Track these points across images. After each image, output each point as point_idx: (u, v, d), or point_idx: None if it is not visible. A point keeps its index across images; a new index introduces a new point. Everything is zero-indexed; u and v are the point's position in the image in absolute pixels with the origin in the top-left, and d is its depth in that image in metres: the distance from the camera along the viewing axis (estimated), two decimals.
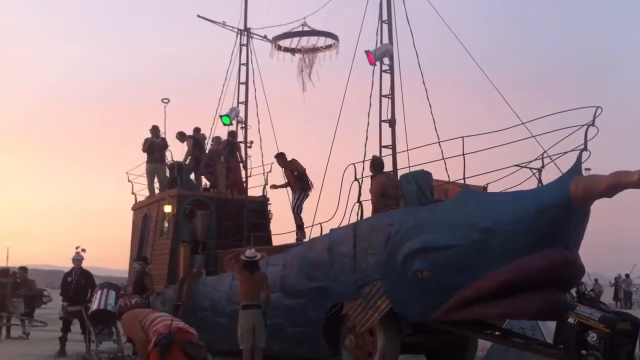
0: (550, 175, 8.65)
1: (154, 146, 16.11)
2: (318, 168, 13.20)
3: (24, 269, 19.14)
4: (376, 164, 10.85)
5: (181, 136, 16.08)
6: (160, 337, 6.11)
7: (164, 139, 16.32)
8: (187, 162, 15.90)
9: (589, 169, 8.66)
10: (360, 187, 10.45)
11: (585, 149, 8.09)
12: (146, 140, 16.16)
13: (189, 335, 6.35)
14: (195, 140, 16.06)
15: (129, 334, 6.83)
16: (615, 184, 7.62)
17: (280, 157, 13.98)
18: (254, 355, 10.36)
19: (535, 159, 8.81)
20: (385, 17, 11.82)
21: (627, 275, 34.87)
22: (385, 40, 11.75)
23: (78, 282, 13.45)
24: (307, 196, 13.59)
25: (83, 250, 13.89)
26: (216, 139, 16.39)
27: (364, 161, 10.74)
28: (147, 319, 6.52)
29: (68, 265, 14.16)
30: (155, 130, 16.28)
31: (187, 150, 15.86)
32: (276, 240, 14.79)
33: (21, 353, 13.73)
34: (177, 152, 16.44)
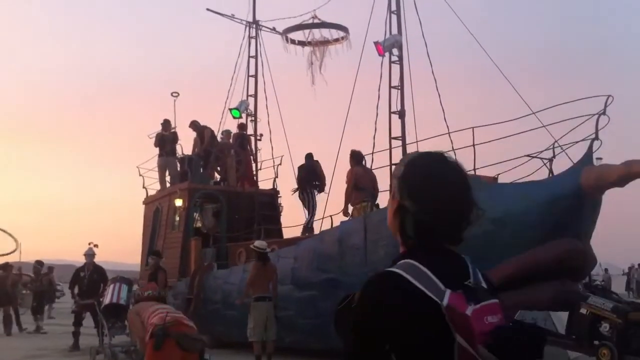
0: (561, 165, 8.62)
1: (165, 140, 16.13)
2: (328, 160, 13.21)
3: (39, 263, 19.25)
4: (355, 155, 11.07)
5: (196, 127, 16.04)
6: (155, 329, 6.02)
7: (174, 133, 16.33)
8: (200, 153, 15.84)
9: (600, 159, 8.62)
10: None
11: (596, 138, 8.04)
12: (157, 134, 16.18)
13: (184, 328, 6.18)
14: (212, 132, 16.06)
15: (132, 330, 6.80)
16: (626, 174, 7.58)
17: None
18: (264, 348, 10.37)
19: (546, 149, 8.77)
20: (394, 8, 11.78)
21: (639, 265, 34.68)
22: (395, 31, 11.71)
23: (90, 277, 13.53)
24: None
25: (96, 245, 13.96)
26: (227, 132, 16.40)
27: (373, 153, 10.74)
28: (147, 313, 6.42)
29: (81, 259, 14.25)
30: (166, 124, 16.30)
31: (206, 140, 15.80)
32: (287, 233, 14.83)
33: (35, 347, 13.83)
34: (187, 145, 16.48)
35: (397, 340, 1.57)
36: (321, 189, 13.54)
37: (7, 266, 18.30)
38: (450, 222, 1.78)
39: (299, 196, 13.70)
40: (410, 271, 1.64)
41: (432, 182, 1.75)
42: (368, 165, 10.61)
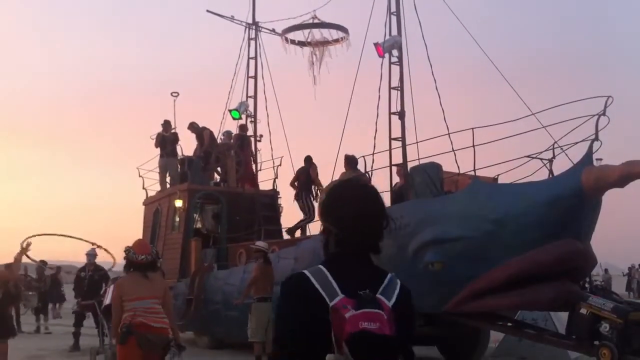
0: (561, 165, 8.62)
1: (166, 140, 16.13)
2: (328, 160, 13.22)
3: (43, 263, 19.25)
4: (350, 160, 11.41)
5: (195, 128, 16.05)
6: (122, 326, 6.17)
7: (174, 133, 16.32)
8: (200, 154, 15.85)
9: (600, 159, 8.62)
10: (370, 179, 10.45)
11: (596, 139, 8.05)
12: (158, 134, 16.18)
13: (149, 329, 6.17)
14: (211, 133, 16.07)
15: (112, 305, 6.66)
16: (626, 174, 7.58)
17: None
18: (264, 349, 10.38)
19: (546, 150, 8.78)
20: (393, 9, 11.77)
21: (639, 265, 34.70)
22: (394, 32, 11.70)
23: (91, 277, 13.54)
24: None
25: (99, 246, 13.98)
26: (227, 133, 16.41)
27: (373, 154, 10.74)
28: (129, 303, 6.29)
29: (81, 260, 14.26)
30: (166, 124, 16.30)
31: (206, 142, 15.81)
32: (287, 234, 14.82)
33: (36, 347, 13.84)
34: (187, 146, 16.48)
35: (298, 322, 2.02)
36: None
37: (10, 266, 18.31)
38: (364, 237, 2.18)
39: (298, 201, 13.79)
40: (314, 274, 2.07)
41: (346, 206, 2.15)
42: (369, 166, 10.61)
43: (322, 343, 1.97)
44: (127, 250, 6.44)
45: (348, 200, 2.18)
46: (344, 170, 11.51)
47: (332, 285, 2.02)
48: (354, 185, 2.29)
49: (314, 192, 13.65)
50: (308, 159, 13.93)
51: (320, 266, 2.13)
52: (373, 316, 1.96)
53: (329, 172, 12.73)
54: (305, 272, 2.11)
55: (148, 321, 6.14)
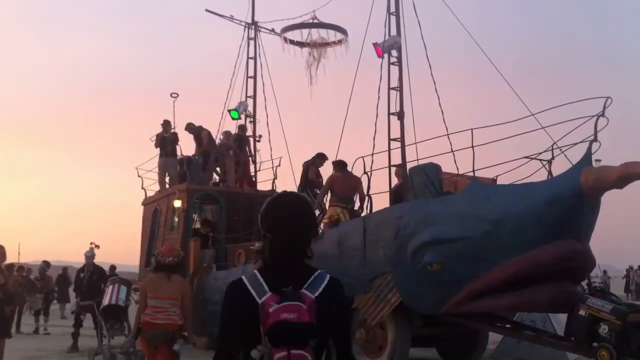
0: (560, 166, 8.61)
1: (165, 141, 16.13)
2: (327, 161, 13.19)
3: (46, 264, 19.23)
4: (339, 163, 11.81)
5: (192, 129, 16.04)
6: (137, 323, 7.25)
7: (174, 133, 16.31)
8: (198, 155, 15.84)
9: (599, 160, 8.61)
10: (369, 180, 10.46)
11: (595, 139, 8.03)
12: (158, 135, 16.18)
13: (153, 326, 7.06)
14: (209, 133, 16.07)
15: (139, 298, 7.35)
16: (625, 175, 7.57)
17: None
18: None
19: (545, 151, 8.76)
20: (392, 9, 11.77)
21: (639, 267, 34.71)
22: (393, 32, 11.70)
23: (90, 278, 13.53)
24: None
25: (97, 246, 13.95)
26: (226, 133, 16.40)
27: (372, 154, 10.73)
28: (149, 300, 7.12)
29: (80, 260, 14.24)
30: (166, 124, 16.30)
31: (204, 143, 15.81)
32: None
33: (35, 348, 13.83)
34: (186, 146, 16.48)
35: (231, 320, 2.49)
36: None
37: (12, 267, 18.34)
38: (294, 244, 2.57)
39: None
40: (249, 279, 2.50)
41: (279, 218, 2.58)
42: (368, 167, 10.60)
43: (253, 336, 2.37)
44: (157, 253, 7.35)
45: (281, 213, 2.60)
46: (333, 173, 11.57)
47: (263, 286, 2.45)
48: (288, 200, 2.67)
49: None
50: (322, 157, 13.61)
51: (256, 271, 2.55)
52: (292, 307, 2.33)
53: (328, 172, 12.72)
54: (242, 277, 2.53)
55: (154, 319, 6.91)
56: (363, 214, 10.96)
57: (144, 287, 7.21)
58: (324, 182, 12.84)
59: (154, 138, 16.13)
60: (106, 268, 14.40)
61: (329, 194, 11.71)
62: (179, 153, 16.40)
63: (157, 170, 16.44)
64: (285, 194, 2.78)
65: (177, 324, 7.03)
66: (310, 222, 2.66)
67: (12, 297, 17.20)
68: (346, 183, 11.60)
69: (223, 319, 2.53)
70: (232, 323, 2.49)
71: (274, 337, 2.31)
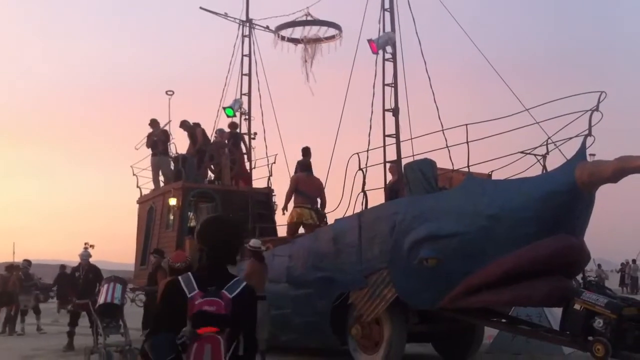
0: (555, 161, 8.63)
1: (156, 140, 16.10)
2: (322, 158, 13.20)
3: (27, 262, 19.18)
4: (303, 163, 12.41)
5: (187, 126, 15.99)
6: None
7: (164, 131, 16.24)
8: (193, 152, 15.80)
9: (593, 155, 8.63)
10: (364, 176, 10.45)
11: (589, 134, 8.05)
12: (148, 135, 16.15)
13: None
14: (204, 131, 16.03)
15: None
16: (620, 169, 7.59)
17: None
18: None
19: (540, 146, 8.79)
20: (387, 6, 11.76)
21: (633, 261, 34.87)
22: (388, 29, 11.69)
23: (86, 276, 13.52)
24: None
25: (92, 246, 13.93)
26: (220, 131, 16.37)
27: (368, 150, 10.73)
28: None
29: (74, 259, 14.22)
30: (153, 123, 16.23)
31: (199, 140, 15.78)
32: (281, 232, 14.80)
33: (30, 347, 13.80)
34: (180, 144, 16.43)
35: (172, 305, 3.23)
36: None
37: (12, 267, 18.31)
38: (222, 254, 3.37)
39: None
40: (183, 279, 3.26)
41: (211, 234, 3.38)
42: (363, 163, 10.61)
43: (181, 321, 3.12)
44: (168, 260, 8.37)
45: (213, 231, 3.41)
46: (343, 165, 11.57)
47: (193, 284, 3.21)
48: (217, 223, 3.50)
49: None
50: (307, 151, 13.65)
51: (189, 273, 3.32)
52: (212, 302, 3.13)
53: (323, 170, 12.74)
54: (179, 277, 3.29)
55: None
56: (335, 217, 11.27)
57: (160, 288, 7.93)
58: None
59: (144, 140, 16.06)
60: (100, 267, 14.36)
61: (294, 195, 12.06)
62: (173, 150, 16.36)
63: (150, 169, 16.41)
64: (216, 217, 3.70)
65: None
66: (233, 240, 3.45)
67: (12, 297, 17.23)
68: (310, 183, 12.13)
69: (162, 304, 3.39)
70: (167, 308, 3.26)
71: (196, 322, 3.11)
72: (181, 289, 3.21)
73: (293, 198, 12.10)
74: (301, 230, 12.08)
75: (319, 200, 12.33)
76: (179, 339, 3.08)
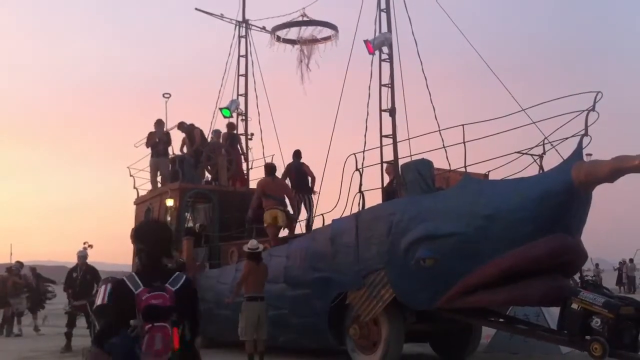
0: (551, 161, 8.65)
1: (158, 140, 16.10)
2: (319, 159, 13.20)
3: (19, 264, 19.14)
4: (268, 168, 13.07)
5: (184, 127, 15.97)
6: None
7: (167, 133, 16.25)
8: (190, 153, 15.78)
9: (590, 155, 8.65)
10: (361, 177, 10.46)
11: (586, 134, 8.07)
12: (150, 133, 16.12)
13: None
14: (201, 132, 16.03)
15: None
16: (616, 169, 7.61)
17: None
18: (256, 347, 10.38)
19: (536, 146, 8.80)
20: (383, 6, 11.77)
21: (630, 260, 34.92)
22: (384, 29, 11.70)
23: (83, 277, 13.49)
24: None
25: (90, 246, 13.90)
26: (216, 132, 16.36)
27: (364, 151, 10.74)
28: None
29: (72, 260, 14.20)
30: (159, 124, 16.25)
31: (197, 141, 15.77)
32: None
33: (28, 349, 13.79)
34: (177, 146, 16.41)
35: (120, 302, 3.71)
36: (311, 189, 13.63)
37: (11, 269, 18.28)
38: (158, 252, 3.86)
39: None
40: (128, 278, 3.71)
41: (147, 235, 3.90)
42: (359, 164, 10.62)
43: (129, 314, 3.56)
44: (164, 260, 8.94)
45: (148, 232, 3.95)
46: (340, 165, 11.61)
47: (137, 282, 3.66)
48: (150, 226, 4.22)
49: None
50: (298, 154, 13.86)
51: (133, 273, 3.82)
52: (158, 296, 3.58)
53: (320, 171, 12.73)
54: (124, 277, 3.74)
55: None
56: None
57: None
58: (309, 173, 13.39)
59: (144, 140, 16.02)
60: (97, 267, 14.34)
61: (264, 199, 12.49)
62: (170, 153, 16.33)
63: (148, 169, 16.38)
64: (147, 221, 4.38)
65: None
66: (169, 238, 4.01)
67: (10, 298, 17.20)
68: (276, 186, 12.65)
69: (110, 302, 4.05)
70: (118, 307, 3.71)
71: (145, 315, 3.53)
72: (128, 287, 3.67)
73: (263, 202, 12.51)
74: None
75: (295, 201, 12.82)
76: (131, 332, 3.53)
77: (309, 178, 13.59)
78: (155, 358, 3.51)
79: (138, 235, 3.91)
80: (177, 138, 16.43)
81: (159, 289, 3.60)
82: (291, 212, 12.82)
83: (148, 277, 3.68)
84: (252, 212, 12.92)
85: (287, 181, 13.52)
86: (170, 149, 16.30)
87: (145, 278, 3.67)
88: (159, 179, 16.33)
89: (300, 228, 13.45)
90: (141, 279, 3.67)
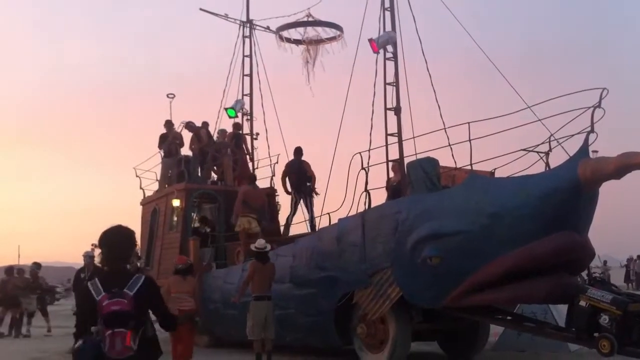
0: (557, 158, 8.61)
1: (171, 142, 16.20)
2: (325, 157, 13.20)
3: (37, 265, 19.22)
4: (249, 177, 14.31)
5: (192, 127, 16.02)
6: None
7: (179, 134, 16.32)
8: (196, 152, 15.83)
9: (596, 151, 8.61)
10: (367, 175, 10.45)
11: (592, 131, 8.03)
12: (160, 135, 16.24)
13: (179, 312, 9.31)
14: (208, 132, 16.08)
15: (164, 292, 9.21)
16: (623, 166, 7.58)
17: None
18: (263, 346, 10.40)
19: (542, 143, 8.76)
20: (387, 5, 11.76)
21: (638, 257, 34.78)
22: (389, 28, 11.69)
23: (91, 278, 13.53)
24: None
25: (97, 246, 13.91)
26: (222, 132, 16.39)
27: (369, 150, 10.73)
28: (173, 294, 9.74)
29: (79, 261, 14.24)
30: (168, 125, 16.32)
31: (204, 141, 15.83)
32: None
33: (36, 349, 13.84)
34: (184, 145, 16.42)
35: (84, 308, 4.12)
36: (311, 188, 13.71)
37: (11, 270, 18.33)
38: (118, 260, 4.17)
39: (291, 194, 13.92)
40: (91, 285, 4.05)
41: (109, 241, 4.17)
42: (365, 163, 10.63)
43: (92, 319, 3.94)
44: (174, 263, 10.69)
45: (111, 238, 4.17)
46: (345, 164, 11.63)
47: (99, 288, 3.98)
48: (115, 229, 4.22)
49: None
50: (299, 151, 13.90)
51: (96, 279, 4.09)
52: (117, 302, 3.88)
53: (326, 170, 12.74)
54: (88, 283, 4.08)
55: (181, 306, 9.56)
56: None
57: (168, 285, 9.86)
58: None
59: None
60: None
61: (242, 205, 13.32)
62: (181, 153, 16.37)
63: (155, 170, 16.45)
64: (112, 227, 4.22)
65: (194, 308, 9.94)
66: (126, 246, 4.22)
67: (14, 300, 17.26)
68: (254, 195, 13.58)
69: (79, 309, 4.62)
70: (83, 313, 4.17)
71: (106, 321, 3.84)
72: (90, 294, 3.99)
73: (241, 209, 13.30)
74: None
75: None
76: (95, 337, 3.90)
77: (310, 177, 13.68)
78: (117, 357, 3.87)
79: (100, 240, 4.19)
80: (186, 138, 16.49)
81: (117, 295, 3.90)
82: (264, 222, 13.72)
83: (109, 283, 3.99)
84: (235, 218, 13.53)
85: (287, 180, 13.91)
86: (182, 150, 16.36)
87: (106, 284, 3.99)
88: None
89: (302, 228, 13.54)
90: (102, 285, 3.98)
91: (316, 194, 13.64)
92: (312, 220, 13.52)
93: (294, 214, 13.89)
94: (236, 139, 16.29)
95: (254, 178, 14.06)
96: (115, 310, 3.84)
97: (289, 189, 13.90)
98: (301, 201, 13.69)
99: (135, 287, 3.98)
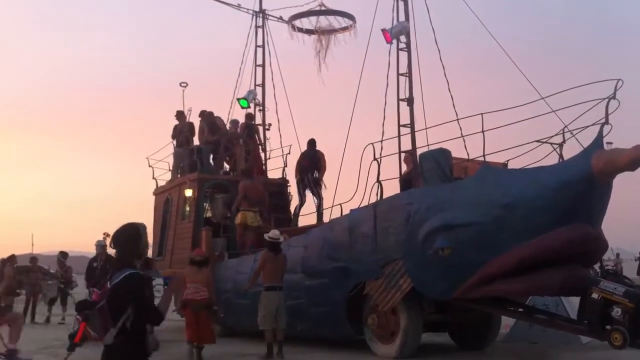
0: (571, 150, 8.57)
1: (180, 131, 16.25)
2: (337, 148, 13.19)
3: (63, 255, 19.34)
4: (245, 171, 14.41)
5: (206, 116, 16.07)
6: (182, 300, 10.47)
7: (190, 124, 16.37)
8: (209, 142, 15.89)
9: (610, 143, 8.56)
10: (379, 166, 10.44)
11: (606, 122, 7.98)
12: (175, 126, 16.31)
13: (194, 300, 10.14)
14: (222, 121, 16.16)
15: (180, 282, 10.08)
16: (637, 158, 7.53)
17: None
18: (275, 336, 10.43)
19: (556, 134, 8.72)
20: None
21: None
22: (402, 18, 11.63)
23: (103, 267, 13.62)
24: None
25: (109, 236, 13.99)
26: (234, 122, 16.41)
27: (382, 141, 10.71)
28: (188, 284, 10.19)
29: (92, 250, 14.34)
30: (179, 115, 16.37)
31: (220, 129, 15.90)
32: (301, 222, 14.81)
33: (51, 337, 13.95)
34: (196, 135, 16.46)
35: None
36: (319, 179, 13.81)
37: (12, 258, 18.44)
38: (130, 255, 4.26)
39: (298, 184, 14.03)
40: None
41: (116, 238, 4.31)
42: (377, 154, 10.61)
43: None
44: (191, 254, 11.21)
45: (117, 235, 4.31)
46: (358, 154, 11.64)
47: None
48: (121, 230, 4.32)
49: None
50: (312, 143, 13.99)
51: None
52: (96, 293, 4.40)
53: (338, 160, 12.72)
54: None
55: (194, 296, 10.08)
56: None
57: (184, 275, 10.28)
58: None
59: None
60: None
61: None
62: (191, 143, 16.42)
63: (168, 160, 16.52)
64: (123, 225, 4.36)
65: (208, 298, 10.23)
66: (143, 240, 4.34)
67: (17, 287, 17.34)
68: (253, 189, 13.75)
69: None
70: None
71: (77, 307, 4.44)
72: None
73: (242, 203, 13.54)
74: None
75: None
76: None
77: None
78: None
79: (112, 238, 4.41)
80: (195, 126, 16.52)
81: (101, 287, 4.34)
82: (264, 214, 13.95)
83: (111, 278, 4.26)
84: (234, 212, 13.77)
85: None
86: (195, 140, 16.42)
87: (110, 279, 4.26)
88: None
89: (313, 219, 13.58)
90: (109, 280, 4.25)
91: (324, 186, 13.70)
92: (319, 208, 13.60)
93: (302, 204, 13.97)
94: (248, 129, 16.29)
95: (250, 172, 14.29)
96: (87, 299, 4.43)
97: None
98: (307, 191, 13.83)
99: (115, 280, 4.11)
